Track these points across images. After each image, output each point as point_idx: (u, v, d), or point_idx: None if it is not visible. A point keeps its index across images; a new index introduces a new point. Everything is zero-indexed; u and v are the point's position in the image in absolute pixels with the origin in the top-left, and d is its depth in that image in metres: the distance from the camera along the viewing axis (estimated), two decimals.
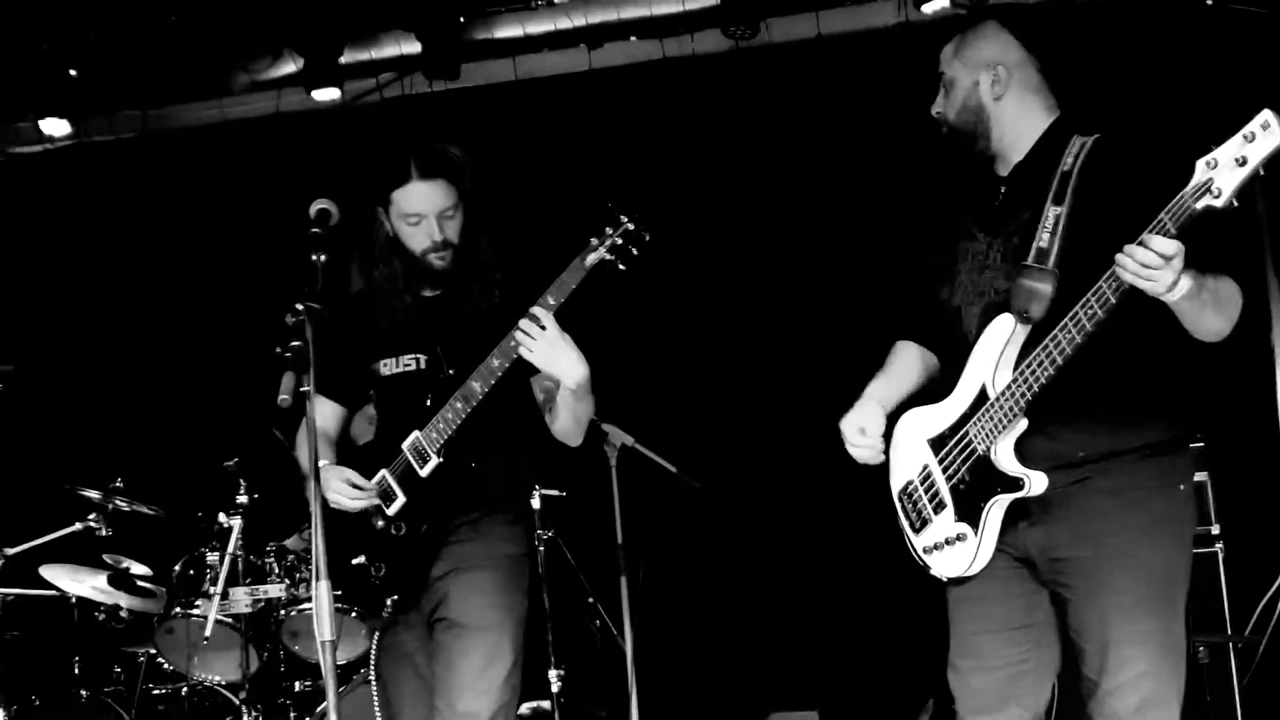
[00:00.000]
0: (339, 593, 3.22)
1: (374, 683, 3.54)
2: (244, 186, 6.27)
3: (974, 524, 2.91)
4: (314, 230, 3.13)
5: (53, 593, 5.26)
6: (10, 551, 5.31)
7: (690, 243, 6.00)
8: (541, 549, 4.73)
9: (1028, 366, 2.79)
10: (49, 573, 5.21)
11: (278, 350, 2.96)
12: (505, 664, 3.39)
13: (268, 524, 5.10)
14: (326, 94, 6.06)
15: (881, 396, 3.16)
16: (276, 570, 5.00)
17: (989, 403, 2.87)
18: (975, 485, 2.90)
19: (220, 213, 6.36)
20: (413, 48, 6.00)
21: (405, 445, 3.41)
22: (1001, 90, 2.98)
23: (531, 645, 3.52)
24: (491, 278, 3.51)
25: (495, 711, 3.35)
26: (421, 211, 3.42)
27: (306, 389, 2.95)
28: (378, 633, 3.54)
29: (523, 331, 3.24)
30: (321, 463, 3.44)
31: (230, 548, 4.91)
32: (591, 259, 3.29)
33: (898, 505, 3.12)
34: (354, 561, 3.45)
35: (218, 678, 5.05)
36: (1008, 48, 3.00)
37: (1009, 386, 2.83)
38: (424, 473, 3.39)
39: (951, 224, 3.10)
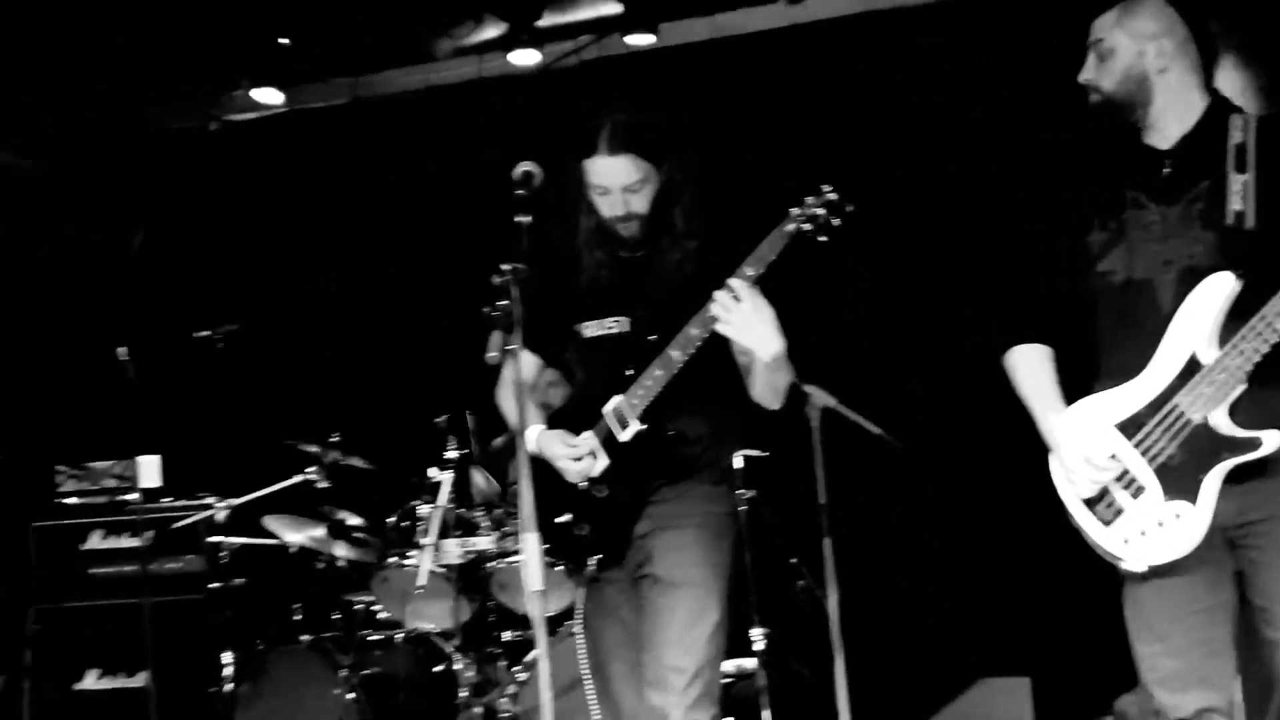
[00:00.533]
0: (546, 546, 3.31)
1: (580, 635, 3.61)
2: (448, 150, 6.40)
3: (1192, 498, 2.84)
4: (519, 192, 3.20)
5: (274, 542, 5.49)
6: (236, 502, 5.60)
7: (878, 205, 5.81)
8: (743, 509, 4.74)
9: (1261, 320, 2.74)
10: (271, 523, 5.44)
11: (485, 310, 3.06)
12: (711, 620, 3.41)
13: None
14: (526, 57, 6.12)
15: (1065, 425, 3.05)
16: (486, 523, 5.15)
17: (1205, 368, 2.81)
18: (1192, 458, 2.83)
19: (427, 176, 6.50)
20: (611, 8, 6.03)
21: (607, 410, 3.45)
22: (1166, 64, 2.99)
23: (734, 604, 3.53)
24: (685, 248, 3.50)
25: (701, 666, 3.38)
26: (607, 186, 3.45)
27: (513, 347, 3.05)
28: (584, 588, 3.62)
29: (719, 304, 3.24)
30: (538, 427, 3.54)
31: (441, 500, 5.08)
32: (790, 229, 3.26)
33: (1079, 505, 3.02)
34: (558, 520, 3.52)
35: (431, 626, 5.18)
36: (1174, 23, 3.01)
37: (1235, 345, 2.78)
38: (624, 437, 3.42)
39: (1114, 197, 3.02)
